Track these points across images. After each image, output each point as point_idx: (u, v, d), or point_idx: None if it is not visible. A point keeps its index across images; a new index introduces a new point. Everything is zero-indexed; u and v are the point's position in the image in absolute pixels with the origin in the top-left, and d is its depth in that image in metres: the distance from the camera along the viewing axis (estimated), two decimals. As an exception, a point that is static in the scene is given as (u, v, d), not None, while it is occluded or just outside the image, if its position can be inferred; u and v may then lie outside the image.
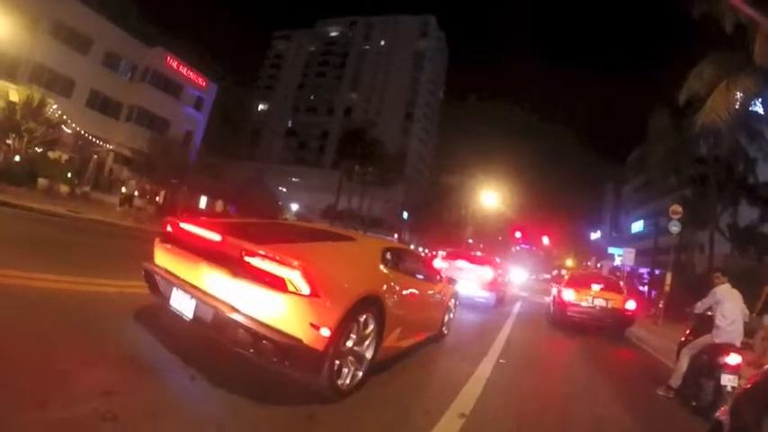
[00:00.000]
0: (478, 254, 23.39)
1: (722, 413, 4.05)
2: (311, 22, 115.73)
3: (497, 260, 22.24)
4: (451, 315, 8.85)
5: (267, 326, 3.72)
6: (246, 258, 3.94)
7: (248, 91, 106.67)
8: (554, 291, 18.11)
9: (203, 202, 39.50)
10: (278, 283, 3.80)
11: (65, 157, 32.11)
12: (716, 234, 33.42)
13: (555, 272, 72.43)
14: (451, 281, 9.35)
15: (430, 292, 7.23)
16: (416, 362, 6.40)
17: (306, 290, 3.80)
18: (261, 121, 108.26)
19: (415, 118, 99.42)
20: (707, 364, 6.89)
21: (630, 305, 15.05)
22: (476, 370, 6.64)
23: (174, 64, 44.80)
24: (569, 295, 14.82)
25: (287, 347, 3.71)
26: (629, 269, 45.74)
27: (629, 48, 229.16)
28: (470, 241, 64.64)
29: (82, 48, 37.66)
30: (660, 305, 24.84)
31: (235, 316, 3.77)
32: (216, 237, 4.31)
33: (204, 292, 4.05)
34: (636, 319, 15.99)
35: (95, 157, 35.31)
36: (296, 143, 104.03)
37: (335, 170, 62.19)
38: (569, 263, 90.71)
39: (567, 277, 18.77)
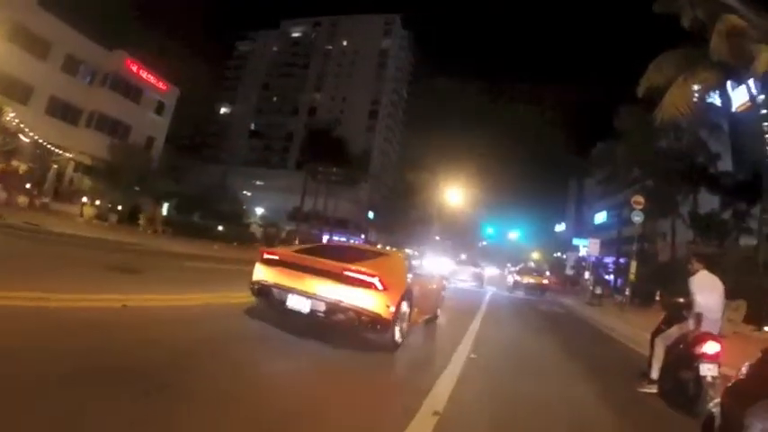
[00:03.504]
0: (480, 262, 40.67)
1: (715, 406, 4.29)
2: (275, 22, 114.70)
3: (481, 263, 39.70)
4: (441, 303, 11.95)
5: (364, 309, 6.60)
6: (345, 273, 6.71)
7: (212, 93, 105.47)
8: (511, 276, 38.49)
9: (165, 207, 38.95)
10: (368, 285, 6.66)
11: (23, 167, 31.35)
12: (678, 222, 34.28)
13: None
14: (443, 278, 13.84)
15: (431, 286, 10.56)
16: (387, 360, 7.08)
17: (381, 287, 6.70)
18: (225, 123, 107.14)
19: (379, 116, 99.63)
20: (684, 355, 6.65)
21: (546, 281, 35.40)
22: (447, 366, 6.89)
23: (135, 68, 43.75)
24: (518, 277, 34.98)
25: (375, 319, 6.66)
26: (593, 259, 46.62)
27: (594, 45, 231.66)
28: (437, 238, 64.89)
29: (40, 52, 36.32)
30: (626, 293, 25.68)
31: (344, 304, 6.59)
32: (320, 261, 7.08)
33: (314, 295, 6.72)
34: (549, 288, 36.22)
35: (55, 166, 34.67)
36: (260, 145, 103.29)
37: (300, 171, 61.83)
38: (535, 255, 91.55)
39: (517, 270, 39.31)
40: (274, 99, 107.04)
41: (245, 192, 68.89)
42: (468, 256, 58.01)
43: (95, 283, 7.95)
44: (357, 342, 7.04)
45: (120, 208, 33.64)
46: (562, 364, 9.07)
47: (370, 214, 73.95)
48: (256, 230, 47.06)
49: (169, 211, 36.87)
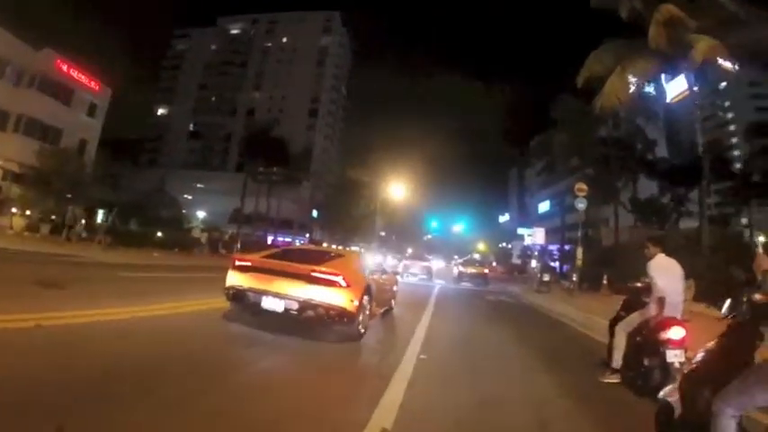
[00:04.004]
0: (427, 256, 46.00)
1: (668, 394, 4.18)
2: (212, 20, 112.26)
3: (429, 257, 44.27)
4: (395, 296, 12.95)
5: (331, 304, 7.51)
6: (313, 274, 7.60)
7: (148, 93, 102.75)
8: (456, 268, 42.02)
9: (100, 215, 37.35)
10: (333, 283, 7.58)
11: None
12: (619, 208, 35.14)
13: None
14: (395, 273, 14.80)
15: (386, 281, 11.56)
16: (340, 361, 7.13)
17: (345, 284, 7.63)
18: (162, 125, 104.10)
19: (319, 114, 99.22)
20: (648, 341, 6.41)
21: (486, 271, 37.80)
22: (398, 367, 6.56)
23: (65, 67, 41.60)
24: (462, 268, 37.70)
25: (342, 313, 7.60)
26: (539, 247, 47.45)
27: (535, 37, 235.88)
28: (382, 234, 64.81)
29: (-37, 53, 34.40)
30: (573, 278, 26.19)
31: (314, 302, 7.50)
32: (289, 265, 7.95)
33: (287, 295, 7.57)
34: (489, 276, 38.12)
35: (-20, 175, 32.90)
36: (199, 146, 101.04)
37: (241, 173, 60.82)
38: (481, 246, 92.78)
39: (462, 261, 43.13)
40: (213, 99, 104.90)
41: (185, 195, 67.52)
42: (415, 250, 59.03)
43: (9, 300, 7.25)
44: (323, 335, 8.00)
45: (53, 218, 32.31)
46: (517, 358, 8.76)
47: (314, 213, 73.40)
48: (200, 236, 45.99)
49: (107, 218, 35.39)
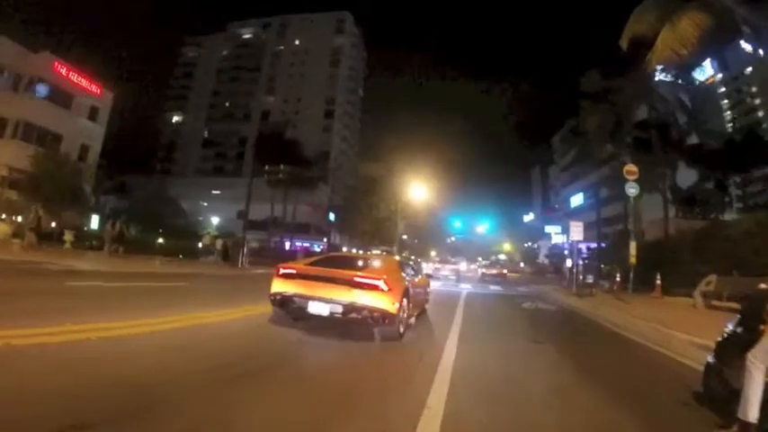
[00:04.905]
0: (453, 259, 53.83)
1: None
2: (222, 25, 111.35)
3: (453, 260, 51.12)
4: (429, 297, 13.47)
5: (375, 307, 7.89)
6: (356, 279, 8.07)
7: (160, 102, 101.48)
8: (480, 270, 50.80)
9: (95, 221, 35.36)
10: (375, 287, 7.98)
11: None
12: (654, 198, 32.69)
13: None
14: (429, 276, 16.51)
15: (420, 283, 11.81)
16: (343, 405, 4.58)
17: (386, 288, 8.02)
18: (176, 133, 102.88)
19: (335, 116, 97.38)
20: None
21: (505, 271, 47.54)
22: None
23: (63, 70, 40.12)
24: (485, 270, 47.88)
25: (384, 314, 7.96)
26: (567, 246, 45.76)
27: (544, 31, 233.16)
28: (404, 237, 62.69)
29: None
30: (617, 278, 23.57)
31: (358, 305, 7.88)
32: (332, 271, 8.43)
33: (332, 300, 7.94)
34: (507, 276, 46.57)
35: (-30, 182, 30.96)
36: (214, 153, 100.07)
37: (257, 177, 59.18)
38: (506, 247, 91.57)
39: (486, 263, 56.66)
40: (226, 105, 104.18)
41: (202, 202, 66.34)
42: (438, 252, 58.38)
43: None
44: (365, 335, 8.25)
45: (53, 225, 30.51)
46: (585, 406, 5.19)
47: (331, 216, 71.31)
48: (215, 242, 44.57)
49: (112, 226, 33.61)
